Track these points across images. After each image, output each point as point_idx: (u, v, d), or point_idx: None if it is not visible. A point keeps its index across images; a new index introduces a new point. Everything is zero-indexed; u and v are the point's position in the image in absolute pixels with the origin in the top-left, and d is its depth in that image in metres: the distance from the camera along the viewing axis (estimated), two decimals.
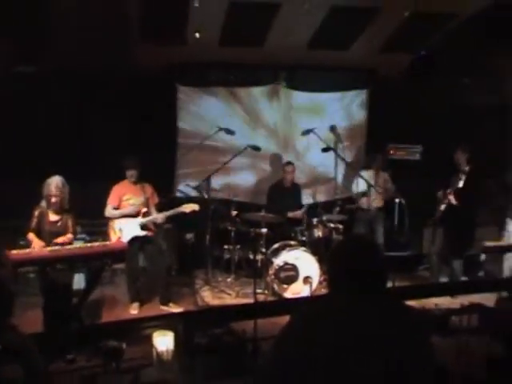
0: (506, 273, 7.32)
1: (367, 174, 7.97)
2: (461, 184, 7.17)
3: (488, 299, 6.01)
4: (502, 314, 5.55)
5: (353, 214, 8.15)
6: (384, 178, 8.20)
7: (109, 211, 6.55)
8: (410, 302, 5.61)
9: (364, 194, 7.77)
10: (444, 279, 7.52)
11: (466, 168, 7.37)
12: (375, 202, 7.97)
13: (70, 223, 5.71)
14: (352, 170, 8.69)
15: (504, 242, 7.24)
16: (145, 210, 6.58)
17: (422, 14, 7.39)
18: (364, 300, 2.09)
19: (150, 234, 6.64)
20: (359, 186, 7.97)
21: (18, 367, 3.29)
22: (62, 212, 5.64)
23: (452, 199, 7.29)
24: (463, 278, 7.59)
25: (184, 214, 6.70)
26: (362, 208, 7.98)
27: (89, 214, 6.43)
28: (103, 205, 6.58)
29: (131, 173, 6.59)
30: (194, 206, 6.72)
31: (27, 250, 5.27)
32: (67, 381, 4.33)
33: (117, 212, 6.54)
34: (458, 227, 7.40)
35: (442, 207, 7.44)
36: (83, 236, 5.90)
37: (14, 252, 5.11)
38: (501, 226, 7.55)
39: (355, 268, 2.13)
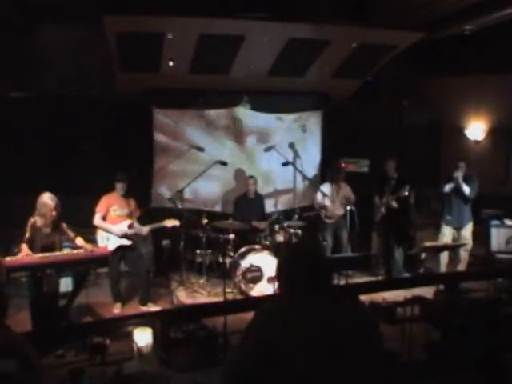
0: (442, 269, 7.49)
1: (328, 186, 8.02)
2: (406, 192, 7.33)
3: (427, 292, 6.15)
4: (438, 305, 5.70)
5: (312, 221, 8.11)
6: (346, 189, 8.09)
7: (97, 220, 6.46)
8: (362, 297, 5.70)
9: (325, 205, 7.83)
10: (389, 276, 7.67)
11: (395, 175, 7.57)
12: (337, 210, 7.95)
13: (69, 233, 5.68)
14: (309, 181, 8.77)
15: (440, 243, 7.41)
16: (130, 222, 6.55)
17: (367, 45, 7.59)
18: (318, 298, 2.12)
19: (132, 242, 6.59)
20: (318, 197, 7.98)
21: (12, 362, 3.26)
22: (54, 225, 5.57)
23: (394, 204, 7.47)
24: (406, 274, 7.74)
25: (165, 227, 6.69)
26: (327, 216, 7.97)
27: (72, 223, 6.33)
28: (86, 215, 6.50)
29: (121, 185, 6.52)
30: (175, 222, 6.67)
31: (19, 257, 5.22)
32: (57, 374, 4.30)
33: (104, 225, 6.45)
34: (398, 226, 7.67)
35: (383, 210, 7.63)
36: (69, 244, 5.81)
37: (8, 259, 5.07)
38: (437, 228, 7.74)
39: (305, 270, 2.16)
